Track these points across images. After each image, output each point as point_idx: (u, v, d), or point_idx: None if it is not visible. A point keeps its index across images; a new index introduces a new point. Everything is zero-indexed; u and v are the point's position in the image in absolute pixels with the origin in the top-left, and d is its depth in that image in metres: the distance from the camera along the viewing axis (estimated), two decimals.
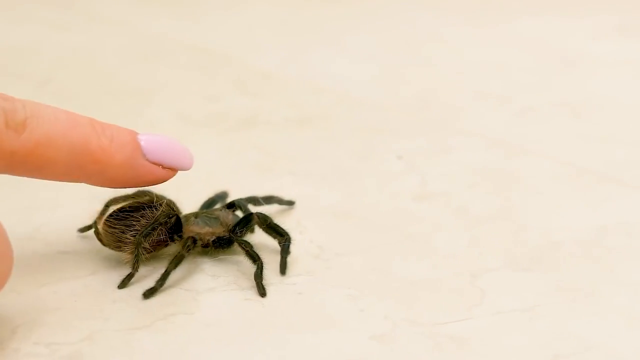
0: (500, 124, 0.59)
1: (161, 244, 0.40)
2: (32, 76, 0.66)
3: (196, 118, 0.59)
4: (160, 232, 0.39)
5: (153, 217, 0.39)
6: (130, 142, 0.37)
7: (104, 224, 0.39)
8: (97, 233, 0.40)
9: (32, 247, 0.41)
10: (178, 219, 0.40)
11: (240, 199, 0.42)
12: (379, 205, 0.47)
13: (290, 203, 0.46)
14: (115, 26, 0.79)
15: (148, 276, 0.39)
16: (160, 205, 0.39)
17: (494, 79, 0.68)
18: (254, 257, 0.38)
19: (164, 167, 0.39)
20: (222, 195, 0.44)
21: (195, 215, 0.41)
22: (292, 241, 0.40)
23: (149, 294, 0.37)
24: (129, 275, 0.38)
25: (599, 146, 0.56)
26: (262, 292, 0.38)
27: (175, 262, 0.38)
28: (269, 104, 0.62)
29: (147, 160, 0.38)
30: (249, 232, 0.41)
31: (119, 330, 0.35)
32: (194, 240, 0.39)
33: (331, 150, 0.55)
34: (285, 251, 0.40)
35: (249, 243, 0.39)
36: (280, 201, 0.45)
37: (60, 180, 0.37)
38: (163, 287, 0.38)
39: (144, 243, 0.38)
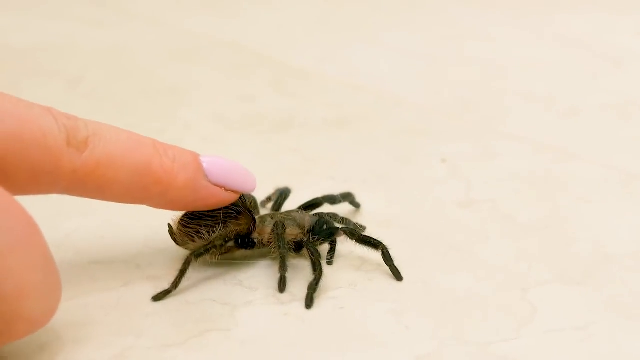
0: (547, 127, 0.57)
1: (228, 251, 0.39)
2: (64, 74, 0.65)
3: (231, 119, 0.57)
4: (214, 253, 0.38)
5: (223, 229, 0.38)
6: (193, 163, 0.36)
7: (179, 223, 0.38)
8: (171, 233, 0.39)
9: (61, 256, 0.39)
10: (238, 237, 0.39)
11: (319, 199, 0.42)
12: (422, 213, 0.45)
13: (358, 206, 0.45)
14: (150, 23, 0.77)
15: (185, 290, 0.37)
16: (225, 220, 0.38)
17: (539, 79, 0.66)
18: (315, 267, 0.37)
19: (226, 190, 0.37)
20: (285, 191, 0.43)
21: (272, 216, 0.40)
22: (388, 248, 0.39)
23: (283, 287, 0.37)
24: (165, 290, 0.36)
25: None
26: (309, 303, 0.36)
27: (283, 266, 0.37)
28: (307, 104, 0.60)
29: (210, 182, 0.37)
30: (325, 241, 0.40)
31: (151, 347, 0.33)
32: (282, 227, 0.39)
33: (371, 153, 0.53)
34: (388, 259, 0.38)
35: (317, 252, 0.38)
36: (352, 201, 0.44)
37: (121, 202, 0.36)
38: (203, 299, 0.37)
39: (194, 261, 0.37)
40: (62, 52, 0.70)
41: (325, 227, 0.40)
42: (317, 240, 0.39)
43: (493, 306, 0.37)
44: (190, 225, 0.38)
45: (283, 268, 0.37)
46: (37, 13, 0.79)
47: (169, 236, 0.39)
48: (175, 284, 0.36)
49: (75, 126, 0.33)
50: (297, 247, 0.39)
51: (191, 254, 0.37)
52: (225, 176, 0.37)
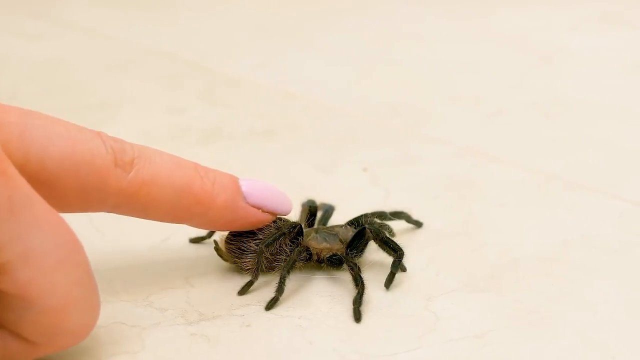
0: (470, 129, 0.58)
1: (282, 256, 0.40)
2: None
3: (158, 133, 0.58)
4: (282, 244, 0.40)
5: (271, 231, 0.40)
6: (231, 185, 0.39)
7: (225, 242, 0.40)
8: (217, 249, 0.41)
9: None
10: (301, 229, 0.41)
11: (367, 215, 0.43)
12: (338, 224, 0.46)
13: (418, 224, 0.45)
14: (88, 34, 0.78)
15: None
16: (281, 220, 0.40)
17: (467, 79, 0.67)
18: (357, 281, 0.38)
19: (263, 211, 0.40)
20: (329, 209, 0.45)
21: (316, 230, 0.42)
22: (403, 257, 0.40)
23: (271, 305, 0.38)
24: (249, 282, 0.39)
25: (569, 150, 0.55)
26: (357, 317, 0.37)
27: (288, 267, 0.39)
28: (235, 114, 0.61)
29: (247, 203, 0.39)
30: (363, 251, 0.41)
31: None
32: (309, 252, 0.40)
33: (296, 164, 0.54)
34: (394, 267, 0.39)
35: (357, 266, 0.39)
36: (408, 219, 0.45)
37: (164, 221, 0.38)
38: (113, 322, 0.37)
39: (266, 252, 0.39)
40: None
41: (357, 235, 0.41)
42: (355, 253, 0.41)
43: (397, 317, 0.38)
44: (233, 242, 0.40)
45: (279, 290, 0.38)
46: None
47: None
48: (255, 275, 0.39)
49: (122, 148, 0.36)
50: (339, 262, 0.41)
51: (262, 244, 0.39)
52: (262, 198, 0.40)
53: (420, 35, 0.77)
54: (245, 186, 0.39)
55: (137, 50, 0.74)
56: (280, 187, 0.50)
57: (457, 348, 0.36)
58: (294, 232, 0.40)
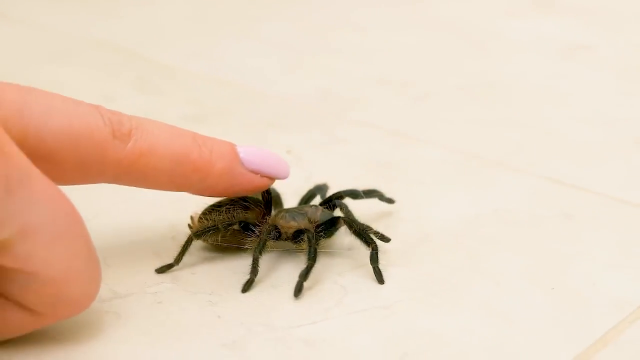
0: (398, 113, 0.59)
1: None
2: None
3: None
4: (215, 235, 0.41)
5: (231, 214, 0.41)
6: (229, 152, 0.40)
7: (199, 219, 0.41)
8: (191, 226, 0.42)
9: None
10: (242, 224, 0.41)
11: (340, 193, 0.44)
12: None
13: (391, 201, 0.45)
14: (22, 24, 0.78)
15: None
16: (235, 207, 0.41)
17: (398, 64, 0.68)
18: (310, 254, 0.39)
19: (262, 176, 0.41)
20: (321, 188, 0.46)
21: (287, 210, 0.43)
22: (378, 249, 0.40)
23: (247, 287, 0.39)
24: (168, 264, 0.40)
25: (491, 131, 0.57)
26: (297, 292, 0.38)
27: (259, 248, 0.39)
28: (166, 101, 0.62)
29: (246, 169, 0.40)
30: (330, 235, 0.42)
31: None
32: (278, 231, 0.41)
33: None
34: (374, 260, 0.40)
35: (316, 240, 0.40)
36: (381, 197, 0.45)
37: (164, 189, 0.40)
38: None
39: (194, 240, 0.40)
40: None
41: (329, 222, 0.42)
42: (323, 235, 0.41)
43: (307, 291, 0.39)
44: (202, 220, 0.41)
45: (253, 272, 0.39)
46: None
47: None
48: (178, 259, 0.40)
49: (119, 120, 0.37)
50: (299, 234, 0.41)
51: (193, 232, 0.40)
52: (260, 163, 0.41)
53: (356, 22, 0.78)
54: (243, 152, 0.40)
55: (72, 41, 0.74)
56: None
57: (360, 319, 0.37)
58: (231, 228, 0.41)
